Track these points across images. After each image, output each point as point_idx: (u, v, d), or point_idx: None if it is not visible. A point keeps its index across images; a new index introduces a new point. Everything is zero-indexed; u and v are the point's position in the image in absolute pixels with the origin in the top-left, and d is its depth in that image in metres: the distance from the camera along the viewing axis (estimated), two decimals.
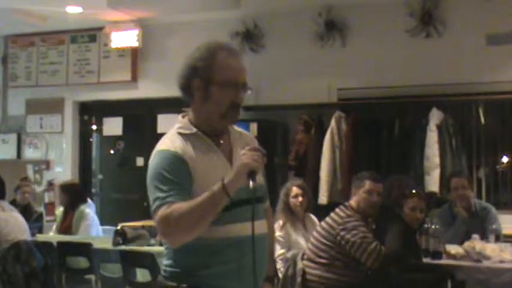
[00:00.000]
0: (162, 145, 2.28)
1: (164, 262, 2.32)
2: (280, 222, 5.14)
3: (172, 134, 2.31)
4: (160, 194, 2.17)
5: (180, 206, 2.12)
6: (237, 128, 2.44)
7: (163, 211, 2.14)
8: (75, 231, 6.22)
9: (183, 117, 2.36)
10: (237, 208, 2.21)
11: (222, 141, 2.33)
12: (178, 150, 2.23)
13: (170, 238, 2.21)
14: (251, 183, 2.13)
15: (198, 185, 2.20)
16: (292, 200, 5.22)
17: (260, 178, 2.40)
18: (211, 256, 2.21)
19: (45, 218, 7.48)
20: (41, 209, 7.61)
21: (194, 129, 2.29)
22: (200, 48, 2.32)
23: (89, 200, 6.75)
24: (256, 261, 2.25)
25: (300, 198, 5.22)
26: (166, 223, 2.14)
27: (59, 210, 6.68)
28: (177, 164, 2.21)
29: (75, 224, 6.26)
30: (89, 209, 6.45)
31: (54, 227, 6.74)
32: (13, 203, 6.13)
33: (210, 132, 2.31)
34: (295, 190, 5.24)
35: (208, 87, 2.27)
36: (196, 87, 2.29)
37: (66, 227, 6.34)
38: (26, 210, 6.52)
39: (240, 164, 2.15)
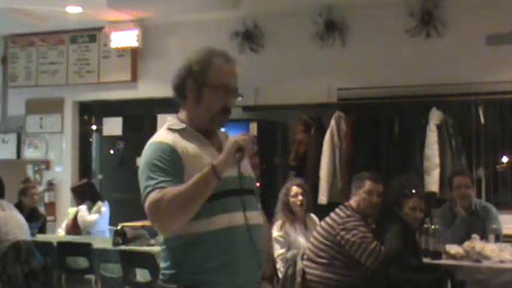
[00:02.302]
0: (153, 139, 2.35)
1: (162, 265, 2.34)
2: (280, 222, 5.14)
3: (163, 130, 2.38)
4: (151, 182, 2.20)
5: (171, 189, 2.15)
6: (224, 131, 2.50)
7: (153, 196, 2.17)
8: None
9: (174, 118, 2.42)
10: (228, 198, 2.25)
11: (211, 138, 2.38)
12: (170, 142, 2.29)
13: (160, 223, 2.22)
14: (237, 155, 2.16)
15: (189, 174, 2.22)
16: (292, 200, 5.22)
17: (251, 171, 2.43)
18: (204, 251, 2.22)
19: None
20: (42, 209, 7.61)
21: (184, 125, 2.35)
22: (197, 52, 2.39)
23: (106, 201, 6.88)
24: (251, 250, 2.26)
25: (300, 197, 5.21)
26: (156, 208, 2.16)
27: (72, 209, 6.74)
28: (168, 154, 2.25)
29: None
30: (105, 208, 6.67)
31: (63, 225, 6.77)
32: (19, 205, 6.14)
33: (199, 131, 2.36)
34: (294, 189, 5.24)
35: (201, 89, 2.33)
36: (190, 88, 2.36)
37: (76, 226, 6.41)
38: (33, 213, 6.52)
39: (228, 143, 2.20)
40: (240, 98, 2.42)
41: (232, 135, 2.27)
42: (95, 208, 6.56)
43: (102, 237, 6.36)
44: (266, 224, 2.63)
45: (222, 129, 2.49)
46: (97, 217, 6.53)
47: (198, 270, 2.23)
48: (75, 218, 6.59)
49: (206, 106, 2.33)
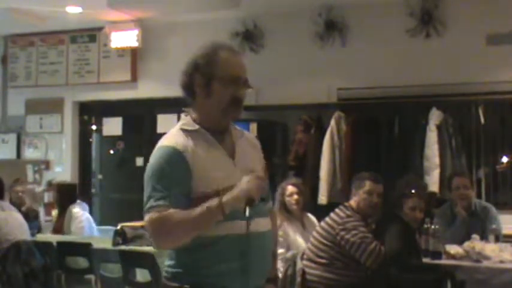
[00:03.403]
0: (164, 141, 2.32)
1: (166, 263, 2.33)
2: (278, 221, 5.13)
3: (175, 130, 2.35)
4: (156, 194, 2.19)
5: (176, 214, 2.16)
6: (239, 128, 2.46)
7: (157, 214, 2.17)
8: (67, 232, 6.18)
9: (186, 115, 2.39)
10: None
11: (224, 139, 2.34)
12: (179, 147, 2.26)
13: (159, 242, 2.25)
14: (247, 211, 2.16)
15: (197, 180, 2.21)
16: (287, 199, 5.22)
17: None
18: (212, 254, 2.22)
19: (45, 218, 7.48)
20: (41, 208, 7.61)
21: (197, 126, 2.32)
22: (202, 48, 2.37)
23: (79, 201, 6.55)
24: (258, 258, 2.27)
25: (295, 196, 5.21)
26: (159, 228, 2.18)
27: (55, 211, 6.66)
28: (176, 160, 2.23)
29: (66, 226, 6.23)
30: (79, 209, 6.34)
31: (51, 229, 6.71)
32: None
33: (213, 130, 2.33)
34: (290, 189, 5.24)
35: (210, 83, 2.31)
36: (198, 83, 2.32)
37: (58, 229, 6.31)
38: (28, 212, 6.48)
39: (241, 189, 2.18)
40: (251, 89, 2.37)
41: (245, 178, 2.21)
42: (67, 214, 6.27)
43: (102, 237, 6.34)
44: (275, 226, 2.62)
45: (237, 127, 2.45)
46: (80, 226, 6.29)
47: (203, 272, 2.23)
48: (57, 220, 6.44)
49: (216, 99, 2.30)
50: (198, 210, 2.15)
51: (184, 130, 2.32)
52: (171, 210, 2.16)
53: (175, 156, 2.23)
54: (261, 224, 2.29)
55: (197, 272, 2.23)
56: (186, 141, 2.28)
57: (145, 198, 2.23)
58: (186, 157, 2.23)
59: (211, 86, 2.30)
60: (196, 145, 2.27)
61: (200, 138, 2.30)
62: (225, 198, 2.15)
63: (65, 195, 6.44)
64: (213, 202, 2.15)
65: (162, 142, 2.31)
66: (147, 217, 2.20)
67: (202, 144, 2.29)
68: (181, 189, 2.20)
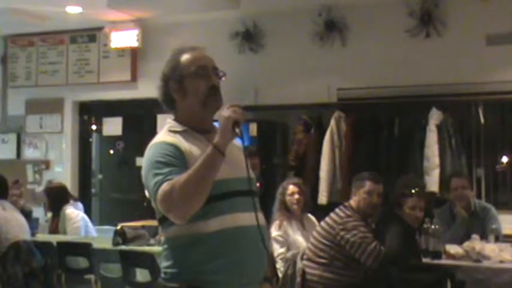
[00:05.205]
0: (156, 139, 2.36)
1: (163, 264, 2.34)
2: (278, 221, 5.14)
3: (163, 132, 2.39)
4: (159, 177, 2.21)
5: (178, 178, 2.16)
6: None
7: (163, 188, 2.17)
8: (62, 234, 6.16)
9: (172, 120, 2.44)
10: (231, 199, 2.26)
11: (209, 138, 2.34)
12: (173, 142, 2.30)
13: (176, 212, 2.19)
14: (237, 130, 2.20)
15: None
16: (288, 198, 5.21)
17: (251, 172, 2.43)
18: (206, 251, 2.22)
19: (45, 217, 7.48)
20: (41, 209, 7.60)
21: (184, 127, 2.37)
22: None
23: (72, 201, 6.51)
24: (253, 251, 2.27)
25: (297, 196, 5.21)
26: (169, 199, 2.16)
27: (49, 213, 6.65)
28: (172, 151, 2.27)
29: (61, 227, 6.22)
30: (72, 209, 6.30)
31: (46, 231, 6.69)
32: None
33: (198, 130, 2.37)
34: (291, 188, 5.24)
35: (182, 83, 2.37)
36: (173, 89, 2.39)
37: (54, 230, 6.30)
38: (24, 213, 6.46)
39: (222, 120, 2.21)
40: (223, 79, 2.41)
41: (220, 112, 2.26)
42: (61, 216, 6.23)
43: (102, 237, 6.34)
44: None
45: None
46: (75, 226, 6.23)
47: (199, 270, 2.23)
48: (52, 222, 6.40)
49: (194, 94, 2.36)
50: (197, 162, 2.16)
51: (172, 131, 2.36)
52: (174, 180, 2.17)
53: (172, 149, 2.27)
54: (253, 218, 2.29)
55: (193, 269, 2.24)
56: (177, 138, 2.32)
57: (150, 188, 2.24)
58: (181, 148, 2.28)
59: (184, 86, 2.37)
60: (188, 143, 2.31)
61: (188, 137, 2.34)
62: (215, 139, 2.19)
63: (56, 198, 6.38)
64: (208, 148, 2.18)
65: (154, 141, 2.35)
66: (158, 198, 2.19)
67: (191, 142, 2.32)
68: (182, 172, 2.19)
